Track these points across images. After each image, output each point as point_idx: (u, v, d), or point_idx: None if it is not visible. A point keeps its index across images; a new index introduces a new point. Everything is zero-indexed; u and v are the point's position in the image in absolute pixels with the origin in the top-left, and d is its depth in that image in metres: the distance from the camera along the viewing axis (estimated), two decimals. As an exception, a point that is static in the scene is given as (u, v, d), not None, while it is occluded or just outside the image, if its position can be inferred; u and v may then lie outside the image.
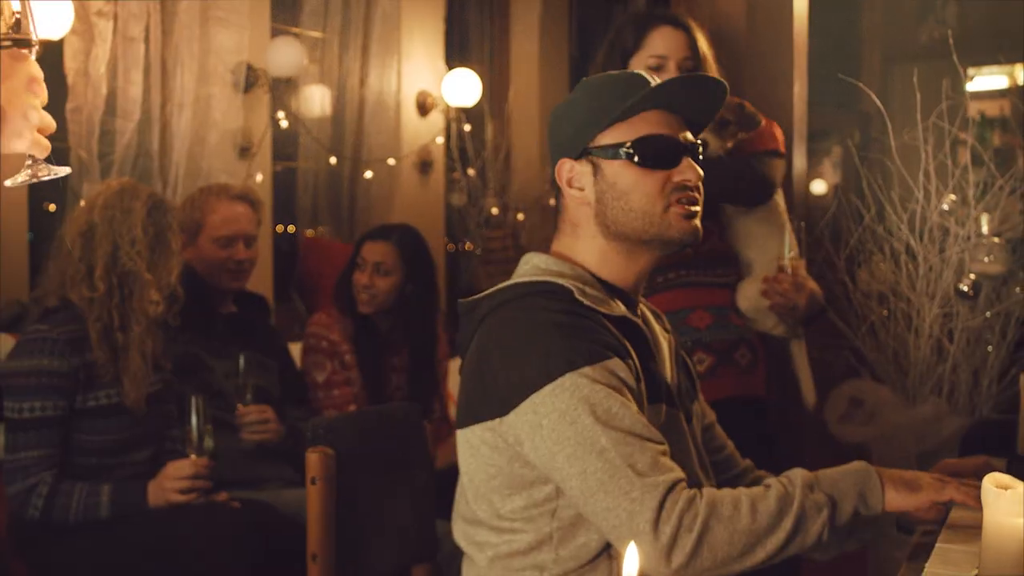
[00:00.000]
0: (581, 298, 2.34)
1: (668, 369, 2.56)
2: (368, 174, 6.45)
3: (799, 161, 4.02)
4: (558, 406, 2.22)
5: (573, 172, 2.46)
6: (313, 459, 2.71)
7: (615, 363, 2.27)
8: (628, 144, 2.38)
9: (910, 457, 3.88)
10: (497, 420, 2.32)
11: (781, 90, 3.97)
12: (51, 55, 4.80)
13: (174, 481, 3.58)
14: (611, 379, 2.25)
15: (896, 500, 2.22)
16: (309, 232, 6.37)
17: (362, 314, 4.69)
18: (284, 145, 6.27)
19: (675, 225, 2.41)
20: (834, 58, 7.45)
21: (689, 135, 2.45)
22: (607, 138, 2.41)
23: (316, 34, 6.31)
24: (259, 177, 5.71)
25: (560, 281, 2.37)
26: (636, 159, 2.38)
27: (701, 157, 2.47)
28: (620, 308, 2.42)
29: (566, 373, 2.23)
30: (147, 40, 5.15)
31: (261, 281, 5.66)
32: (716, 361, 3.49)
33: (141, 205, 3.65)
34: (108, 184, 3.74)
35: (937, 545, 2.15)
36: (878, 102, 3.36)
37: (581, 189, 2.45)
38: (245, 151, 5.67)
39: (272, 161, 5.96)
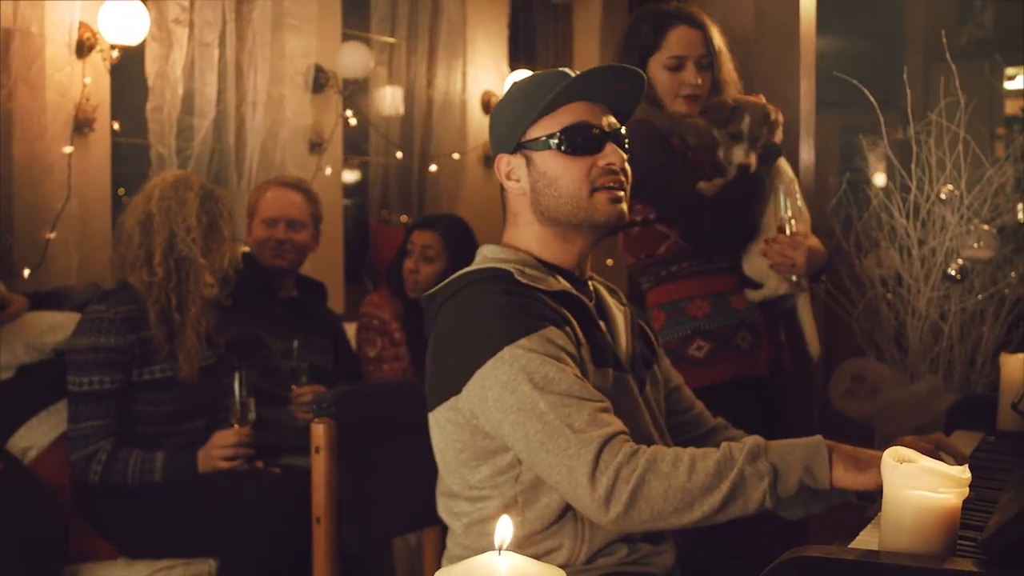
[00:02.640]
0: (520, 278, 2.36)
1: (623, 338, 2.58)
2: (433, 167, 6.42)
3: (806, 154, 3.94)
4: (500, 378, 2.26)
5: (510, 166, 2.49)
6: (317, 430, 2.70)
7: (551, 331, 2.30)
8: (554, 135, 2.41)
9: (908, 431, 3.77)
10: (454, 398, 2.36)
11: (788, 87, 3.89)
12: (133, 59, 4.85)
13: (220, 449, 3.61)
14: (548, 347, 2.27)
15: (843, 478, 2.15)
16: (384, 212, 6.37)
17: (413, 297, 4.68)
18: (358, 141, 6.28)
19: (600, 209, 2.44)
20: (881, 58, 7.32)
21: (612, 120, 2.48)
22: (536, 131, 2.44)
23: (386, 39, 6.30)
24: (328, 170, 5.71)
25: (502, 266, 2.41)
26: (562, 148, 2.41)
27: (627, 144, 2.50)
28: (560, 284, 2.44)
29: (505, 347, 2.26)
30: (223, 45, 5.17)
31: (332, 265, 5.69)
32: (715, 347, 3.42)
33: (194, 195, 3.66)
34: (163, 176, 3.75)
35: (879, 515, 2.09)
36: (872, 100, 3.28)
37: (518, 181, 2.48)
38: (316, 146, 5.67)
39: (343, 156, 5.96)
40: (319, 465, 2.69)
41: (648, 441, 2.39)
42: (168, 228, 3.62)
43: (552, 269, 2.48)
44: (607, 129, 2.44)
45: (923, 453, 2.37)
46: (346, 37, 5.92)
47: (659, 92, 3.44)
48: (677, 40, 3.42)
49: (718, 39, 3.46)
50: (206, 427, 3.74)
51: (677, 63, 3.42)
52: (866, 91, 3.36)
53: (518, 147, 2.45)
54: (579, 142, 2.41)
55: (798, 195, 3.42)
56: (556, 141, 2.40)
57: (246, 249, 4.55)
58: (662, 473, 2.13)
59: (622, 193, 2.46)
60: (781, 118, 3.48)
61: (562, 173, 2.41)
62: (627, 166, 2.47)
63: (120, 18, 4.56)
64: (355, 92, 5.95)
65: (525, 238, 2.50)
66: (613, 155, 2.43)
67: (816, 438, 2.21)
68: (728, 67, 3.48)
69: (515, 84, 2.54)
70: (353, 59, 5.71)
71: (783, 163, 3.50)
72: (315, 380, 4.15)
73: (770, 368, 3.50)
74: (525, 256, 2.47)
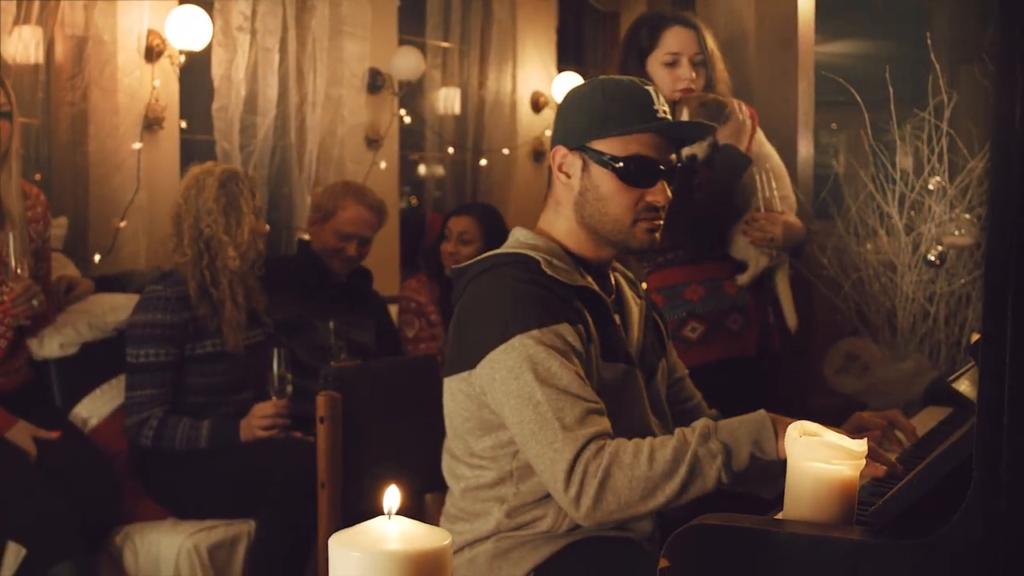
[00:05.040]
0: (547, 269, 2.33)
1: (635, 330, 2.54)
2: (483, 162, 6.42)
3: (804, 149, 3.88)
4: (507, 363, 2.23)
5: (565, 160, 2.41)
6: (322, 401, 2.70)
7: (564, 328, 2.26)
8: (619, 160, 2.34)
9: (898, 406, 3.70)
10: (468, 372, 2.34)
11: (787, 87, 3.82)
12: (200, 63, 4.89)
13: (259, 419, 3.63)
14: (557, 342, 2.24)
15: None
16: (413, 200, 6.39)
17: (448, 278, 4.68)
18: (414, 139, 6.30)
19: (639, 237, 2.41)
20: (911, 60, 7.17)
21: (672, 157, 2.41)
22: (603, 145, 2.36)
23: (441, 43, 6.29)
24: (383, 164, 5.73)
25: (532, 253, 2.37)
26: (621, 173, 2.34)
27: (680, 167, 2.53)
28: (584, 280, 2.39)
29: (517, 335, 2.24)
30: (283, 50, 5.20)
31: (389, 252, 5.70)
32: (708, 329, 3.43)
33: (214, 181, 3.70)
34: (191, 170, 3.80)
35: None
36: (858, 98, 3.21)
37: (568, 176, 2.41)
38: (373, 143, 5.69)
39: (399, 151, 5.97)
40: (323, 434, 2.70)
41: (647, 430, 2.37)
42: (192, 214, 3.68)
43: (579, 262, 2.44)
44: (664, 168, 2.38)
45: (877, 429, 2.34)
46: (402, 42, 5.93)
47: (658, 87, 3.43)
48: (672, 38, 3.43)
49: (711, 42, 3.47)
50: (253, 399, 3.77)
51: (673, 59, 3.43)
52: (854, 91, 3.30)
53: (579, 147, 2.38)
54: (637, 176, 2.34)
55: (774, 180, 3.38)
56: (618, 165, 2.33)
57: (305, 237, 4.58)
58: (625, 464, 2.11)
59: (660, 223, 2.42)
60: (747, 121, 3.44)
61: (613, 195, 2.35)
62: (667, 204, 2.41)
63: (185, 25, 4.60)
64: (409, 93, 5.96)
65: (561, 228, 2.45)
66: (660, 195, 2.37)
67: (760, 413, 2.16)
68: (719, 67, 3.48)
69: (600, 84, 2.41)
70: (406, 62, 5.72)
71: (769, 150, 3.51)
72: (357, 357, 4.17)
73: (758, 349, 3.49)
74: (555, 246, 2.42)
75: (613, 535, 2.42)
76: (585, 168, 2.36)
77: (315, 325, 4.25)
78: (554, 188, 2.46)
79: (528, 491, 2.35)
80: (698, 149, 3.36)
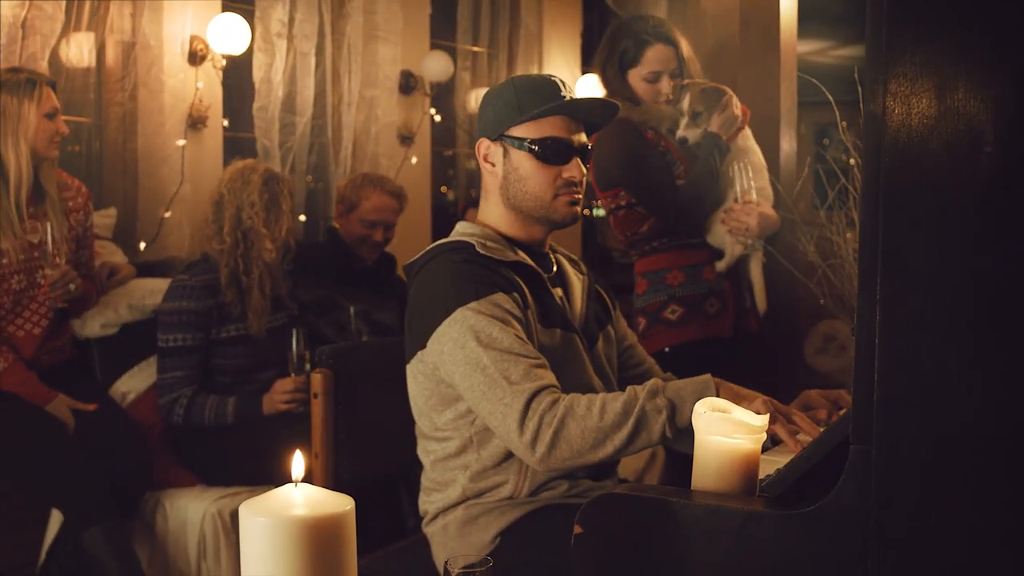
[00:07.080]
0: (481, 250, 2.38)
1: (578, 302, 2.59)
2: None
3: (787, 144, 3.82)
4: (452, 335, 2.28)
5: (488, 150, 2.49)
6: (316, 378, 2.71)
7: (499, 297, 2.31)
8: (533, 141, 2.41)
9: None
10: (421, 352, 2.39)
11: (771, 88, 3.77)
12: (242, 66, 4.92)
13: (280, 395, 3.64)
14: (494, 310, 2.28)
15: None
16: (443, 188, 6.40)
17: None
18: (449, 136, 6.30)
19: (560, 210, 2.47)
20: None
21: (583, 137, 2.47)
22: (519, 131, 2.43)
23: (471, 47, 6.29)
24: (414, 160, 5.74)
25: (467, 239, 2.42)
26: (537, 154, 2.41)
27: (590, 147, 2.51)
28: (517, 255, 2.45)
29: (457, 308, 2.29)
30: (320, 53, 5.22)
31: (420, 242, 5.70)
32: (687, 312, 3.44)
33: (258, 177, 3.70)
34: (235, 164, 3.80)
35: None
36: (830, 97, 3.17)
37: (493, 165, 2.49)
38: (405, 140, 5.70)
39: (431, 147, 5.98)
40: (317, 409, 2.71)
41: (589, 390, 2.41)
42: (235, 205, 3.68)
43: (513, 243, 2.49)
44: (576, 146, 2.44)
45: (824, 407, 2.32)
46: (434, 46, 5.93)
47: (639, 95, 3.46)
48: (654, 57, 3.45)
49: (686, 51, 3.49)
50: (276, 377, 3.78)
51: (654, 77, 3.46)
52: (825, 90, 3.25)
53: (500, 137, 2.45)
54: (552, 154, 2.41)
55: (752, 173, 3.35)
56: (533, 147, 2.40)
57: (335, 225, 4.60)
58: (578, 416, 2.15)
59: (579, 197, 2.48)
60: (738, 116, 3.45)
61: (532, 175, 2.42)
62: (584, 179, 2.48)
63: (226, 31, 4.63)
64: (440, 93, 5.96)
65: (493, 215, 2.51)
66: (575, 170, 2.44)
67: (706, 376, 2.23)
68: (696, 68, 3.51)
69: (512, 81, 2.50)
70: (436, 65, 5.72)
71: (753, 145, 3.50)
72: (381, 336, 4.17)
73: (735, 330, 3.49)
74: (490, 232, 2.48)
75: (574, 502, 2.42)
76: (506, 154, 2.44)
77: (342, 306, 4.27)
78: (483, 179, 2.53)
79: (488, 456, 2.39)
80: (691, 134, 3.39)
